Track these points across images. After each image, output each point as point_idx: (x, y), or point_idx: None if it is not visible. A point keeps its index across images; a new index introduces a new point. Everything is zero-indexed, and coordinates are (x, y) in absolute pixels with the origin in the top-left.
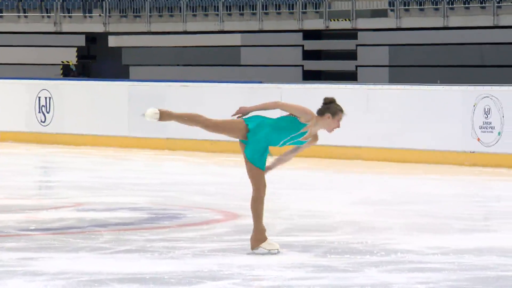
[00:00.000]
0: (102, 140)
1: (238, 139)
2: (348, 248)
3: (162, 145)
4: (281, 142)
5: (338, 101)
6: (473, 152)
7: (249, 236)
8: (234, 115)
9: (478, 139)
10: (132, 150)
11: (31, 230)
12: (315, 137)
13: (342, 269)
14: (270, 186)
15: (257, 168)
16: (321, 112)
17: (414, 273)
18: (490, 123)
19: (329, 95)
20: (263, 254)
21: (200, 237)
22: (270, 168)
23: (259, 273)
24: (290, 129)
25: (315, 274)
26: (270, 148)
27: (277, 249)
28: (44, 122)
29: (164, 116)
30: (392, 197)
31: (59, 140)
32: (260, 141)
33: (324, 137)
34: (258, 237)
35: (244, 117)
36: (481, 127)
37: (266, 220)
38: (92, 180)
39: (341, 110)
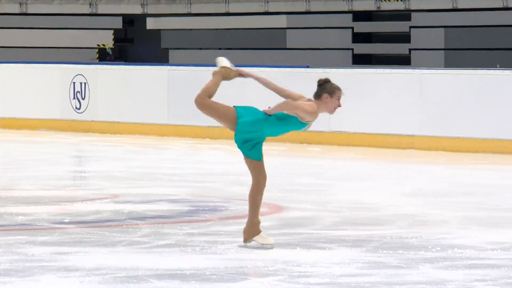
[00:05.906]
0: (139, 128)
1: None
2: (401, 243)
3: (203, 134)
4: (279, 135)
5: (389, 86)
6: None
7: (295, 231)
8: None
9: None
10: (171, 139)
11: (65, 223)
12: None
13: (395, 266)
14: (318, 177)
15: (251, 159)
16: (317, 95)
17: (471, 270)
18: None
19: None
20: (259, 247)
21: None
22: (246, 75)
23: (306, 269)
24: (290, 125)
25: (365, 270)
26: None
27: (271, 244)
28: (79, 109)
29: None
30: (448, 188)
31: (94, 128)
32: (250, 134)
33: (376, 125)
34: (252, 229)
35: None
36: None
37: (314, 212)
38: (129, 170)
39: (338, 88)
